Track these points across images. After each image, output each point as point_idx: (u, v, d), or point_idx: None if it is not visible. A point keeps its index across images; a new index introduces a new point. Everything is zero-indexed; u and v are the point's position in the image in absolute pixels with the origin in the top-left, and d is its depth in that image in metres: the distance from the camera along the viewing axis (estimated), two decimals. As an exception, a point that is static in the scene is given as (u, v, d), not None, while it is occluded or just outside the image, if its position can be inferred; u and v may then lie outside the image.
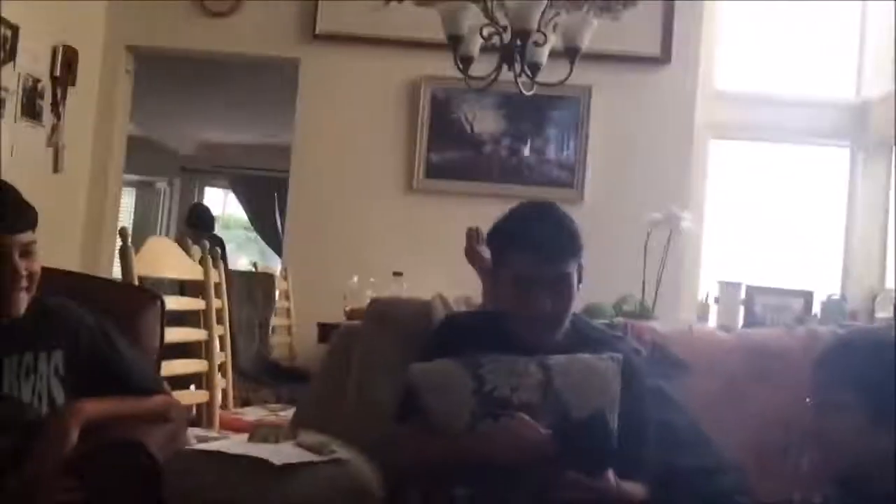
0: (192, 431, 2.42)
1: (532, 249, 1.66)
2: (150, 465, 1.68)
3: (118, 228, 2.53)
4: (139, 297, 2.25)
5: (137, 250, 2.52)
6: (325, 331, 3.36)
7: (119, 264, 2.51)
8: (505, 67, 3.46)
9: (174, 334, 2.52)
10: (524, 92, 3.51)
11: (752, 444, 1.96)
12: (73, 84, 4.44)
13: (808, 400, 1.55)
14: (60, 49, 4.31)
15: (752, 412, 2.00)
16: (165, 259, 2.72)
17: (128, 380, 1.90)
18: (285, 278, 4.76)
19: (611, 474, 1.52)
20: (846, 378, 1.47)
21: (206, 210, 7.11)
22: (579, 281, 1.75)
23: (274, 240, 8.24)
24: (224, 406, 3.20)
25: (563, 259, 1.69)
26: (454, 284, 2.43)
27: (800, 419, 1.67)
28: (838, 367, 1.50)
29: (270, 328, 4.57)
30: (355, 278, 3.92)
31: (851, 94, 5.37)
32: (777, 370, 2.03)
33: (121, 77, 4.95)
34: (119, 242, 2.48)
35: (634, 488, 1.61)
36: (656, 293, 3.47)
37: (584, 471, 1.50)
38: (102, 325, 1.94)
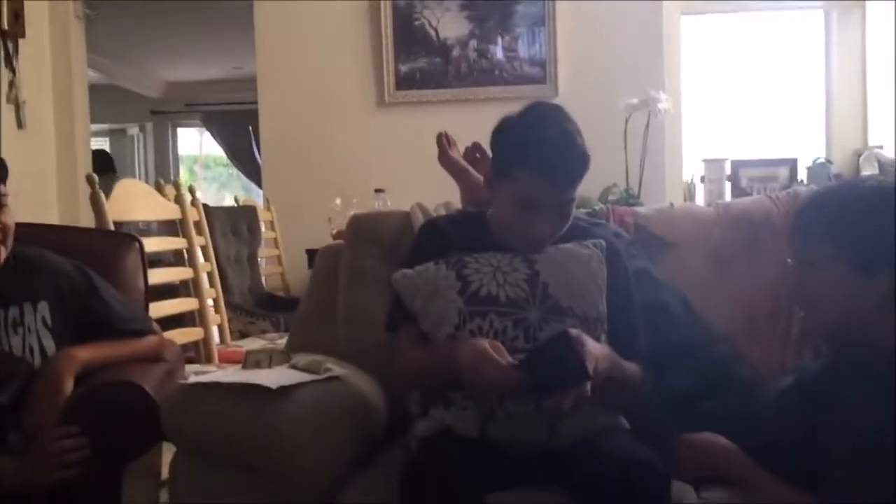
0: (191, 368, 2.43)
1: (545, 173, 1.57)
2: (147, 404, 1.68)
3: (85, 175, 2.48)
4: (116, 241, 2.23)
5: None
6: (314, 256, 3.34)
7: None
8: (461, -35, 3.34)
9: (158, 275, 2.51)
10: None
11: (742, 313, 1.98)
12: (23, 36, 4.30)
13: (789, 261, 1.53)
14: (5, 0, 4.16)
15: (740, 282, 2.00)
16: (138, 201, 2.68)
17: (116, 323, 1.90)
18: (268, 209, 4.73)
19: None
20: (822, 232, 1.45)
21: (103, 153, 6.88)
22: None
23: (255, 173, 8.17)
24: (222, 341, 3.22)
25: (573, 185, 1.62)
26: (437, 194, 2.40)
27: (786, 282, 1.66)
28: (814, 222, 1.47)
29: (260, 260, 4.57)
30: (338, 200, 3.89)
31: (820, -49, 5.24)
32: (762, 237, 2.03)
33: (72, 24, 4.79)
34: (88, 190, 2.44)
35: (632, 368, 1.62)
36: (641, 180, 3.46)
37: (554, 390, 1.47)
38: (83, 271, 1.92)
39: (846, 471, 1.34)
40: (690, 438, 1.57)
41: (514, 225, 1.65)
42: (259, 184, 7.55)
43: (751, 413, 1.57)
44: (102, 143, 9.12)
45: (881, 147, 4.79)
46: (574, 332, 1.50)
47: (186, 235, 2.85)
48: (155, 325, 2.04)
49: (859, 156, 4.80)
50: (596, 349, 1.52)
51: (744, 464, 1.49)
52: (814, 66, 5.35)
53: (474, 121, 2.31)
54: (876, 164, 4.40)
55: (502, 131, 1.67)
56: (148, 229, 3.41)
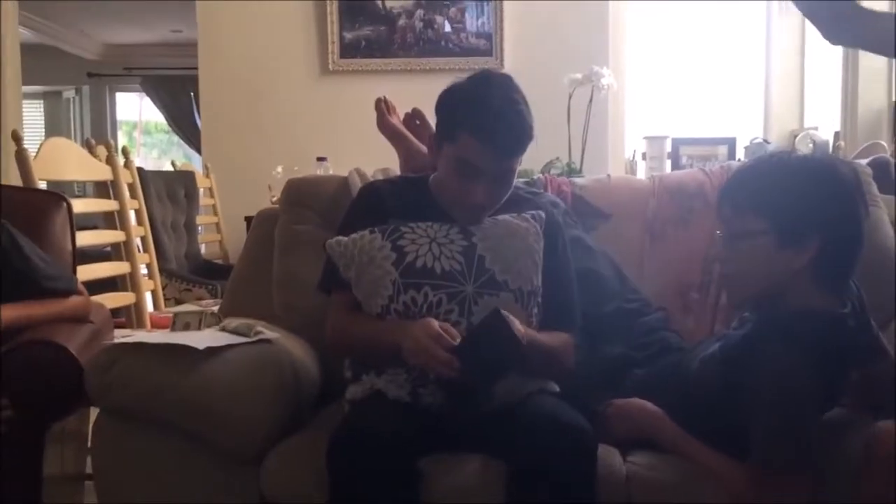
0: (121, 332, 2.38)
1: (489, 140, 1.55)
2: (70, 364, 1.64)
3: (11, 132, 2.39)
4: (43, 200, 2.16)
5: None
6: (253, 223, 3.29)
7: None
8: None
9: (88, 237, 2.44)
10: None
11: (674, 283, 2.01)
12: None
13: (718, 233, 1.56)
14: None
15: (673, 252, 2.03)
16: (68, 160, 2.60)
17: (40, 282, 1.84)
18: (207, 175, 4.64)
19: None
20: (750, 203, 1.47)
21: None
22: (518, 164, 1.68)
23: (196, 140, 8.01)
24: (156, 307, 3.16)
25: (516, 154, 1.61)
26: (380, 163, 2.38)
27: (714, 252, 1.68)
28: (742, 194, 1.49)
29: (198, 227, 4.49)
30: (279, 168, 3.84)
31: (763, -65, 5.30)
32: (695, 208, 2.05)
33: (3, -22, 4.61)
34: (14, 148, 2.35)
35: (558, 337, 1.62)
36: (583, 154, 3.47)
37: (492, 372, 1.48)
38: (4, 228, 1.86)
39: (766, 429, 1.37)
40: (618, 403, 1.59)
41: (454, 190, 1.64)
42: (199, 150, 7.42)
43: (678, 379, 1.60)
44: (36, 106, 8.85)
45: (816, 128, 4.90)
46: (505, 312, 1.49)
47: (119, 198, 2.78)
48: (80, 286, 1.98)
49: (795, 136, 4.91)
50: (521, 328, 1.51)
51: (669, 428, 1.51)
52: (754, 46, 5.45)
53: (419, 91, 2.29)
54: (811, 145, 4.49)
55: (449, 94, 1.65)
56: (84, 193, 3.31)
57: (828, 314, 1.45)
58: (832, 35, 1.72)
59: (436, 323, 1.49)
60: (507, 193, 1.67)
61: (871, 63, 4.22)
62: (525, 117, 1.60)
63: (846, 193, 1.47)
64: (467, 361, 1.43)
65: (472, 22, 4.74)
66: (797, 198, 1.44)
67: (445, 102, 1.65)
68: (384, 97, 2.33)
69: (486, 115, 1.56)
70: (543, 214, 1.72)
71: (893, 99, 4.15)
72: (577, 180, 2.21)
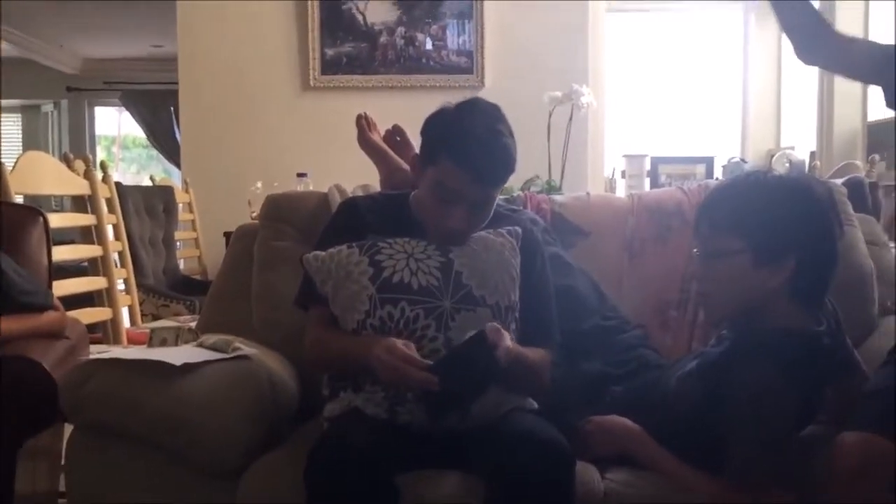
0: (97, 348, 2.36)
1: (469, 168, 1.56)
2: (45, 380, 1.62)
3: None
4: (19, 214, 2.15)
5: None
6: (233, 239, 3.28)
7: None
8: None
9: (64, 252, 2.42)
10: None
11: (652, 300, 2.01)
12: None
13: (695, 251, 1.57)
14: None
15: (651, 270, 2.04)
16: (45, 174, 2.57)
17: (15, 298, 1.82)
18: (186, 191, 4.62)
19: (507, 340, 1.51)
20: (727, 223, 1.48)
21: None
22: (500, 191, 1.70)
23: (175, 155, 7.97)
24: (133, 323, 3.13)
25: (496, 184, 1.63)
26: (360, 180, 2.37)
27: (692, 271, 1.69)
28: (718, 213, 1.51)
29: (177, 242, 4.46)
30: (259, 184, 3.82)
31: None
32: (673, 226, 2.06)
33: (-18, -9, 4.59)
34: (-10, 160, 2.33)
35: (535, 353, 1.63)
36: (563, 172, 3.49)
37: (470, 391, 1.47)
38: None
39: (742, 446, 1.38)
40: (597, 420, 1.59)
41: (432, 212, 1.64)
42: (178, 165, 7.40)
43: (656, 397, 1.61)
44: (14, 119, 8.79)
45: (793, 148, 4.97)
46: (491, 328, 1.49)
47: (96, 212, 2.75)
48: (56, 301, 1.97)
49: (772, 155, 4.97)
50: (509, 343, 1.51)
51: (648, 444, 1.52)
52: (732, 68, 5.52)
53: (400, 107, 2.30)
54: (787, 164, 4.55)
55: (436, 118, 1.66)
56: (62, 207, 3.29)
57: (804, 332, 1.46)
58: (806, 54, 1.75)
59: (399, 343, 1.49)
60: (486, 220, 1.68)
61: (846, 84, 4.28)
62: (508, 148, 1.61)
63: (821, 213, 1.49)
64: (445, 379, 1.43)
65: (453, 39, 4.77)
66: (773, 217, 1.46)
67: (431, 126, 1.66)
68: (365, 113, 2.33)
69: (469, 142, 1.57)
70: (520, 230, 1.72)
71: (868, 120, 4.21)
72: (557, 198, 2.22)
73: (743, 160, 4.90)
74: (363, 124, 2.32)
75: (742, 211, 1.48)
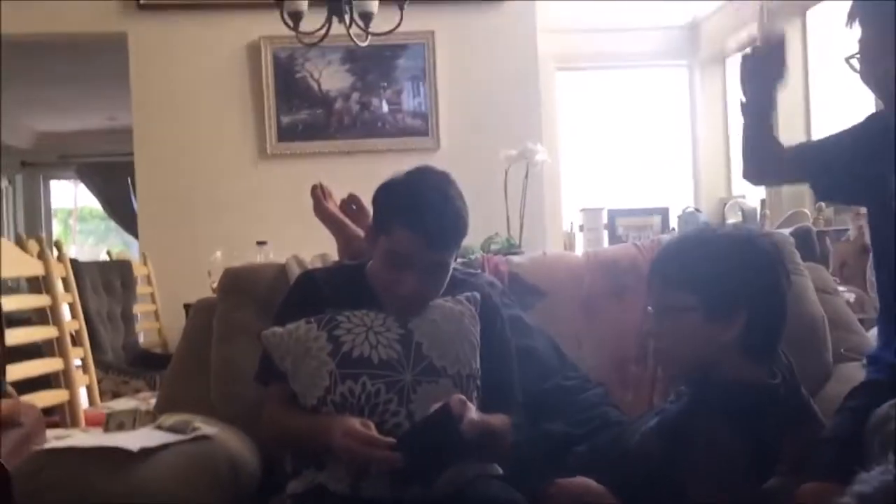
0: (53, 433, 2.30)
1: (418, 232, 1.57)
2: (-3, 473, 1.58)
3: (-63, 231, 2.33)
4: (-30, 300, 2.11)
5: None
6: (192, 311, 3.25)
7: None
8: (336, 20, 3.38)
9: (18, 335, 2.38)
10: (358, 43, 3.45)
11: (612, 358, 2.03)
12: None
13: (649, 308, 1.59)
14: None
15: (609, 327, 2.06)
16: (-3, 257, 2.54)
17: None
18: (145, 263, 4.58)
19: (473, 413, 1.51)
20: (678, 279, 1.52)
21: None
22: (455, 259, 1.70)
23: (133, 226, 7.90)
24: (91, 403, 3.06)
25: (448, 249, 1.63)
26: (322, 246, 2.38)
27: (645, 326, 1.72)
28: (669, 270, 1.54)
29: (135, 316, 4.41)
30: (218, 253, 3.81)
31: (682, 14, 5.57)
32: (628, 283, 2.09)
33: (-69, 72, 4.57)
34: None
35: (497, 419, 1.62)
36: (521, 229, 3.53)
37: (435, 466, 1.47)
38: None
39: (702, 502, 1.39)
40: (561, 482, 1.59)
41: (386, 280, 1.64)
42: (137, 236, 7.35)
43: (618, 455, 1.61)
44: (-33, 197, 8.67)
45: (744, 196, 5.08)
46: (456, 400, 1.49)
47: (51, 292, 2.72)
48: (8, 387, 1.93)
49: (725, 204, 5.07)
50: (474, 415, 1.51)
51: None
52: (680, 120, 5.66)
53: (358, 172, 2.32)
54: (740, 213, 4.65)
55: (386, 188, 1.67)
56: (18, 287, 3.24)
57: (758, 385, 1.49)
58: (757, 178, 1.84)
59: (357, 424, 1.47)
60: (442, 286, 1.67)
61: (791, 130, 4.41)
62: (460, 212, 1.62)
63: (769, 267, 1.53)
64: (410, 454, 1.42)
65: (408, 103, 4.85)
66: (723, 273, 1.49)
67: (381, 196, 1.67)
68: (320, 183, 2.35)
69: (420, 208, 1.58)
70: (478, 296, 1.73)
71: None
72: (514, 258, 2.24)
73: (697, 210, 5.00)
74: (318, 194, 2.33)
75: (692, 267, 1.51)
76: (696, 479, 1.40)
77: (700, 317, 1.49)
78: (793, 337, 1.62)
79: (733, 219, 4.70)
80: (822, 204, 3.77)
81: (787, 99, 4.44)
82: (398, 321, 1.63)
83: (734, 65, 5.35)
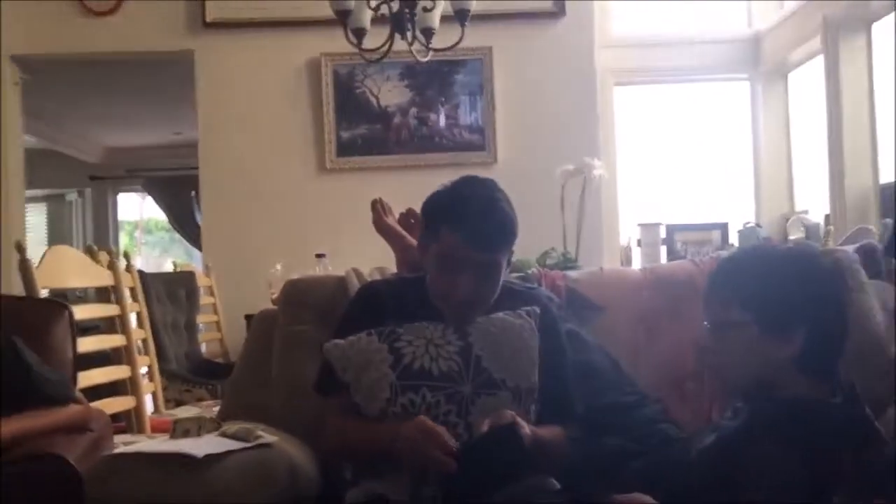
0: (121, 438, 2.38)
1: (466, 233, 1.60)
2: (70, 476, 1.64)
3: (14, 242, 2.44)
4: (45, 309, 2.19)
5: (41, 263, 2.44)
6: (253, 322, 3.31)
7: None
8: (398, 37, 3.43)
9: (89, 343, 2.46)
10: (419, 59, 3.50)
11: (669, 374, 2.01)
12: (-41, 102, 4.26)
13: (705, 323, 1.58)
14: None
15: (667, 343, 2.04)
16: (70, 268, 2.64)
17: (39, 393, 1.85)
18: (208, 274, 4.68)
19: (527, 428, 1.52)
20: (734, 296, 1.50)
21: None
22: (508, 263, 1.72)
23: (197, 238, 8.09)
24: (156, 410, 3.15)
25: (496, 248, 1.65)
26: (378, 259, 2.43)
27: (701, 344, 1.70)
28: (726, 287, 1.53)
29: (198, 326, 4.51)
30: (279, 266, 3.88)
31: (744, 26, 5.50)
32: (686, 298, 2.07)
33: (9, 89, 4.76)
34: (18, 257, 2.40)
35: (552, 433, 1.63)
36: (578, 243, 3.52)
37: (496, 481, 1.47)
38: (6, 340, 1.88)
39: None
40: (619, 499, 1.58)
41: (440, 287, 1.67)
42: (200, 248, 7.52)
43: (676, 471, 1.60)
44: (40, 209, 8.98)
45: (806, 212, 4.98)
46: (510, 419, 1.49)
47: (120, 302, 2.81)
48: (79, 394, 2.00)
49: (787, 220, 4.98)
50: (527, 431, 1.51)
51: None
52: (742, 134, 5.58)
53: (415, 186, 2.34)
54: (802, 229, 4.56)
55: (433, 197, 1.71)
56: (85, 296, 3.35)
57: (818, 404, 1.46)
58: None
59: (429, 421, 1.49)
60: (495, 291, 1.69)
61: (856, 146, 4.32)
62: (506, 213, 1.65)
63: (828, 283, 1.51)
64: (471, 467, 1.43)
65: (465, 117, 4.88)
66: (779, 290, 1.47)
67: (429, 205, 1.71)
68: (380, 199, 2.39)
69: (466, 210, 1.62)
70: (538, 310, 1.74)
71: (879, 182, 4.23)
72: (571, 274, 2.24)
73: (758, 225, 4.92)
74: (378, 209, 2.38)
75: (749, 282, 1.50)
76: (753, 499, 1.38)
77: (756, 333, 1.47)
78: (857, 357, 1.59)
79: (796, 235, 4.61)
80: (889, 221, 3.67)
81: (852, 113, 4.36)
82: (457, 333, 1.65)
83: (796, 79, 5.28)
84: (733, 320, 1.49)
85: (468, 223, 1.60)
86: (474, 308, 1.68)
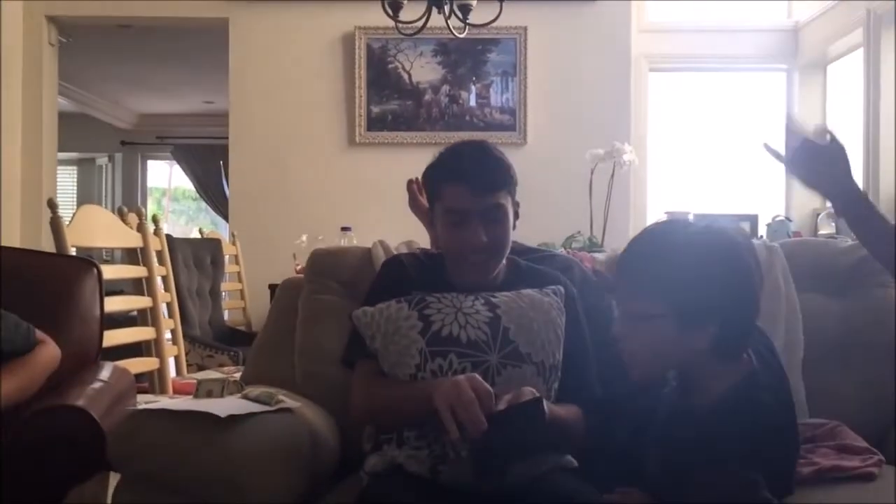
0: (144, 398, 2.40)
1: (463, 179, 1.64)
2: (93, 430, 1.66)
3: (46, 200, 2.46)
4: (74, 266, 2.21)
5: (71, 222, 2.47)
6: (277, 291, 3.33)
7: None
8: (436, 11, 3.42)
9: (116, 303, 2.48)
10: (456, 35, 3.48)
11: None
12: (-5, 60, 4.30)
13: (615, 307, 1.50)
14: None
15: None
16: (99, 228, 2.66)
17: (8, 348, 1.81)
18: (234, 243, 4.71)
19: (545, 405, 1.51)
20: (645, 285, 1.39)
21: None
22: (516, 218, 1.73)
23: (224, 207, 8.16)
24: (178, 373, 3.18)
25: (496, 188, 1.67)
26: (404, 234, 2.43)
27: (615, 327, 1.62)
28: (636, 272, 1.42)
29: (222, 294, 4.54)
30: (304, 237, 3.90)
31: (783, 17, 5.42)
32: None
33: (45, 50, 4.80)
34: (49, 214, 2.42)
35: (570, 411, 1.63)
36: (604, 228, 3.51)
37: (516, 454, 1.46)
38: None
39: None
40: (612, 498, 1.53)
41: (453, 245, 1.69)
42: (226, 218, 7.57)
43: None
44: (70, 171, 9.07)
45: (838, 207, 4.90)
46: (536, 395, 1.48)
47: (147, 264, 2.83)
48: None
49: (818, 215, 4.91)
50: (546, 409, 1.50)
51: None
52: (775, 126, 5.50)
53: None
54: (833, 225, 4.50)
55: (429, 165, 1.75)
56: (112, 258, 3.38)
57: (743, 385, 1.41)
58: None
59: (481, 380, 1.48)
60: (507, 239, 1.71)
61: (893, 143, 4.25)
62: (501, 157, 1.70)
63: (745, 270, 1.40)
64: (495, 437, 1.42)
65: (496, 97, 4.86)
66: (696, 281, 1.36)
67: (427, 172, 1.76)
68: (416, 179, 2.39)
69: (461, 161, 1.68)
70: (563, 289, 1.74)
71: (915, 179, 4.16)
72: (598, 255, 2.23)
73: (788, 219, 4.86)
74: (413, 189, 2.38)
75: (663, 273, 1.38)
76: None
77: (670, 325, 1.37)
78: (881, 355, 1.55)
79: (826, 230, 4.55)
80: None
81: (890, 109, 4.28)
82: (486, 304, 1.66)
83: (835, 71, 5.19)
84: (646, 312, 1.39)
85: (465, 171, 1.65)
86: (490, 257, 1.69)
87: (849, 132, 4.86)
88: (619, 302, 1.48)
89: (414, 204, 2.41)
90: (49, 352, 1.89)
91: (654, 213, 5.26)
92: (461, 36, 3.57)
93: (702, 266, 1.37)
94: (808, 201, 5.30)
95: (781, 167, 1.61)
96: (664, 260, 1.39)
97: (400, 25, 3.48)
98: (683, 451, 1.38)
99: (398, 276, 1.77)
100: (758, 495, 1.31)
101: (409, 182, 2.44)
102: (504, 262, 1.77)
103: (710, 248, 1.39)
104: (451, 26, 3.47)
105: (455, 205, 1.66)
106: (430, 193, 1.75)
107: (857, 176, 1.58)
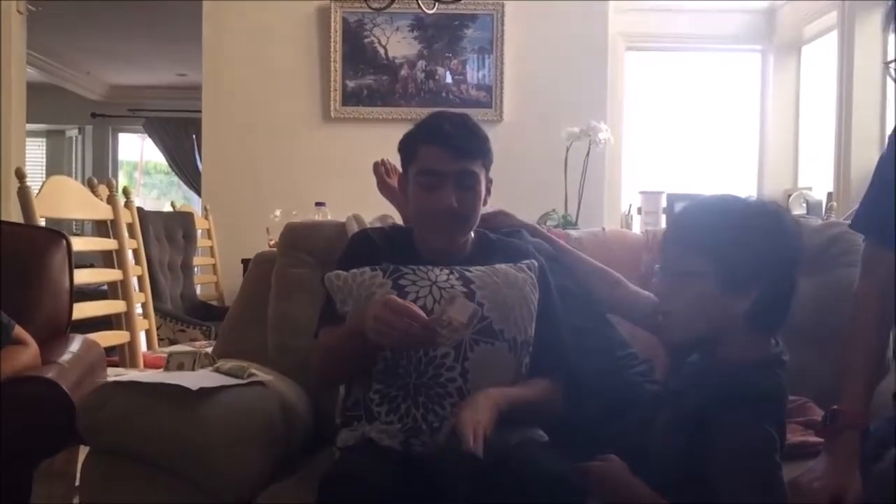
0: (114, 371, 2.38)
1: (441, 141, 1.66)
2: (62, 401, 1.64)
3: (13, 169, 2.42)
4: (43, 237, 2.18)
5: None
6: (250, 266, 3.31)
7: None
8: (408, -15, 3.38)
9: (85, 275, 2.45)
10: (425, 10, 3.44)
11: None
12: (-40, 27, 4.20)
13: (656, 266, 1.52)
14: (-58, -10, 4.06)
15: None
16: (69, 199, 2.62)
17: None
18: (206, 217, 4.67)
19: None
20: (693, 243, 1.43)
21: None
22: (487, 194, 1.74)
23: (196, 182, 8.09)
24: (150, 347, 3.16)
25: (471, 156, 1.68)
26: (379, 210, 2.42)
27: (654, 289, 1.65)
28: (687, 232, 1.46)
29: (195, 268, 4.51)
30: (278, 212, 3.87)
31: (759, -2, 5.43)
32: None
33: (14, 18, 4.69)
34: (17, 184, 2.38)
35: (533, 388, 1.64)
36: (579, 207, 3.51)
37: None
38: None
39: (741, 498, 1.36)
40: (590, 466, 1.55)
41: (423, 206, 1.69)
42: (199, 192, 7.49)
43: (646, 435, 1.57)
44: (39, 143, 8.93)
45: (810, 188, 4.96)
46: (465, 421, 1.48)
47: (117, 237, 2.80)
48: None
49: (789, 195, 4.96)
50: (476, 413, 1.50)
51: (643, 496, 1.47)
52: (749, 107, 5.54)
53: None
54: (804, 204, 4.55)
55: (404, 134, 1.76)
56: (82, 230, 3.34)
57: (768, 360, 1.44)
58: None
59: (396, 297, 1.51)
60: (476, 208, 1.71)
61: (865, 125, 4.29)
62: (477, 126, 1.72)
63: (791, 243, 1.45)
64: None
65: (472, 74, 4.83)
66: (742, 244, 1.41)
67: (404, 137, 1.77)
68: (384, 160, 2.36)
69: (439, 125, 1.70)
70: (536, 264, 1.74)
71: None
72: (573, 232, 2.24)
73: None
74: (381, 171, 2.36)
75: (712, 233, 1.43)
76: (727, 478, 1.37)
77: (712, 285, 1.41)
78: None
79: (798, 211, 4.59)
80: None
81: (862, 92, 4.33)
82: (461, 279, 1.65)
83: (810, 53, 5.22)
84: (691, 269, 1.43)
85: (442, 134, 1.67)
86: (458, 224, 1.70)
87: (820, 114, 4.91)
88: (665, 261, 1.50)
89: (383, 186, 2.39)
90: (20, 357, 1.80)
91: (629, 192, 5.28)
92: (430, 12, 3.54)
93: (751, 232, 1.42)
94: (781, 181, 5.35)
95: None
96: (716, 222, 1.44)
97: (371, 2, 3.44)
98: (704, 406, 1.40)
99: (367, 249, 1.76)
100: (775, 453, 1.37)
101: (376, 164, 2.42)
102: (472, 234, 1.77)
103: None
104: (420, 2, 3.44)
105: (430, 165, 1.67)
106: (405, 158, 1.75)
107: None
